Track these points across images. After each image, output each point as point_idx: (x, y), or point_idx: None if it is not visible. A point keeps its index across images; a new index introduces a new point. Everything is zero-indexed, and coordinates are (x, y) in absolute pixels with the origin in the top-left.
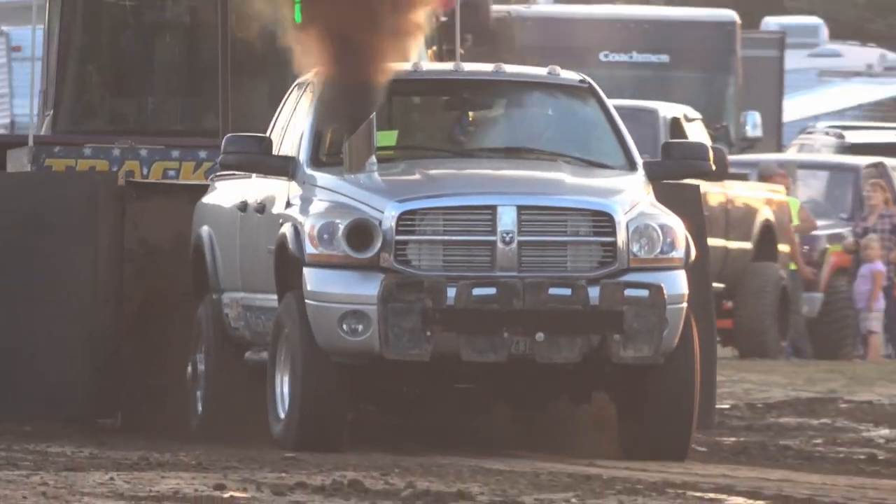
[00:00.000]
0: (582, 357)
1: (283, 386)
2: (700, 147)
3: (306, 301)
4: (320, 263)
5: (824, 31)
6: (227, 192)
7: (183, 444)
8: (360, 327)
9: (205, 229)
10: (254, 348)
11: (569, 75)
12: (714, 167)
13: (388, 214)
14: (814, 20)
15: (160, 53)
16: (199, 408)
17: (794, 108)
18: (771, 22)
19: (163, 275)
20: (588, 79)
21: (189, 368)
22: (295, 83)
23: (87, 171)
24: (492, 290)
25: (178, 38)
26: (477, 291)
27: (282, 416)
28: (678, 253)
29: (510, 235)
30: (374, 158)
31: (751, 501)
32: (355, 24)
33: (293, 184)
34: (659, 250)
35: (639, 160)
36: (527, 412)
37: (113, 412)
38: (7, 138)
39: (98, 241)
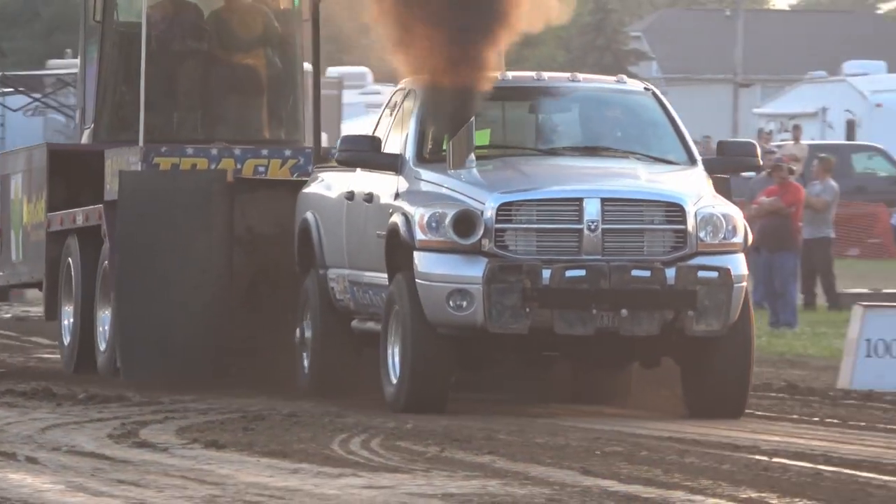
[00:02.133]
0: (660, 330)
1: (394, 355)
2: (749, 145)
3: (417, 281)
4: (429, 248)
5: (370, 77)
6: (332, 183)
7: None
8: (465, 303)
9: (310, 214)
10: (359, 317)
11: (634, 83)
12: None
13: (489, 206)
14: (362, 69)
15: (181, 75)
16: (306, 368)
17: (348, 129)
18: (332, 70)
19: (267, 256)
20: (651, 86)
21: (297, 333)
22: (395, 89)
23: (202, 169)
24: (581, 272)
25: (195, 62)
26: (569, 273)
27: (393, 380)
28: (738, 238)
29: (595, 224)
30: (473, 157)
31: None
32: (459, 35)
33: (400, 178)
34: (722, 236)
35: (698, 156)
36: (603, 374)
37: (227, 371)
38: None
39: (212, 228)
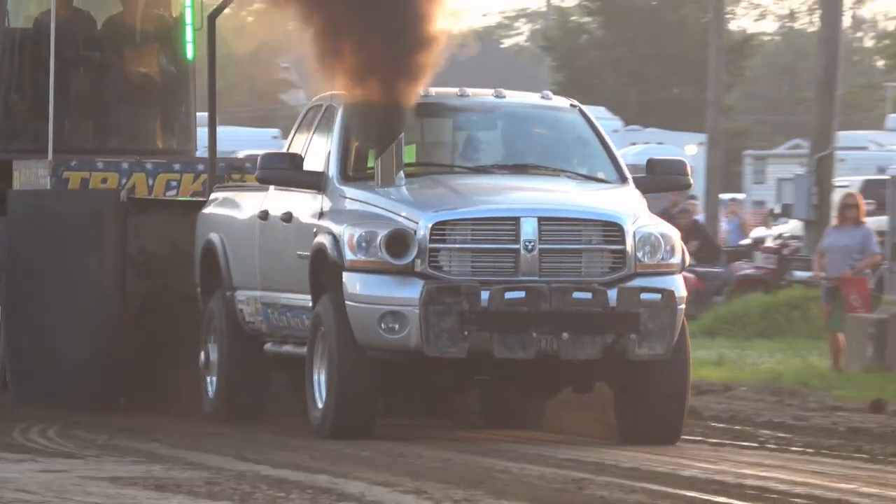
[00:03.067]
0: (601, 354)
1: (320, 379)
2: (680, 163)
3: (346, 302)
4: (359, 268)
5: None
6: (239, 203)
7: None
8: (397, 326)
9: (215, 235)
10: (272, 340)
11: (559, 100)
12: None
13: (422, 225)
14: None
15: (74, 84)
16: (212, 392)
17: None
18: None
19: (160, 277)
20: (576, 102)
21: (202, 356)
22: (309, 105)
23: (94, 189)
24: (521, 294)
25: (88, 70)
26: (508, 295)
27: (319, 404)
28: (676, 259)
29: (532, 244)
30: (402, 174)
31: None
32: (385, 49)
33: (324, 196)
34: (660, 257)
35: (629, 175)
36: (535, 399)
37: (116, 395)
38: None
39: (104, 249)
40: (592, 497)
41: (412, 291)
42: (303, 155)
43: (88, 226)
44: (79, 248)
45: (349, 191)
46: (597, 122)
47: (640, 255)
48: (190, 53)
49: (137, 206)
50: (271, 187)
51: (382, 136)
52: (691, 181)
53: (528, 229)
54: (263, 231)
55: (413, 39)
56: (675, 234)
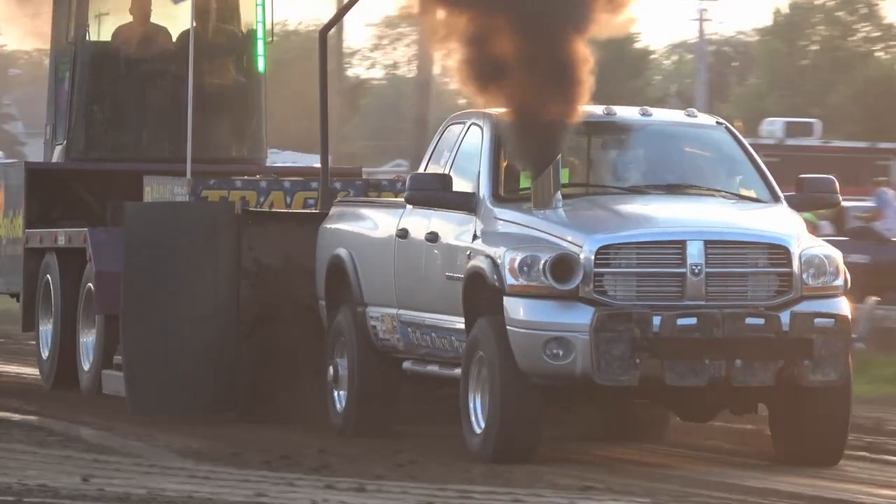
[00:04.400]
0: (774, 381)
1: (476, 402)
2: (829, 181)
3: (508, 327)
4: (521, 293)
5: None
6: (371, 219)
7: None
8: (562, 352)
9: (343, 251)
10: (412, 359)
11: (705, 117)
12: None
13: (587, 249)
14: None
15: (152, 96)
16: (340, 406)
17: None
18: None
19: (274, 289)
20: (723, 120)
21: (330, 370)
22: (447, 123)
23: (209, 201)
24: (693, 320)
25: (164, 83)
26: (680, 321)
27: (477, 430)
28: (839, 281)
29: (699, 267)
30: (559, 195)
31: None
32: (547, 66)
33: (476, 218)
34: (825, 279)
35: (780, 193)
36: (692, 421)
37: (232, 407)
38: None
39: (218, 260)
40: None
41: (578, 317)
42: (448, 174)
43: (203, 238)
44: (194, 260)
45: (503, 212)
46: (744, 140)
47: (805, 277)
48: (261, 66)
49: (252, 218)
50: (409, 205)
51: (540, 157)
52: (840, 199)
53: (695, 252)
54: (402, 249)
55: (574, 55)
56: (838, 256)
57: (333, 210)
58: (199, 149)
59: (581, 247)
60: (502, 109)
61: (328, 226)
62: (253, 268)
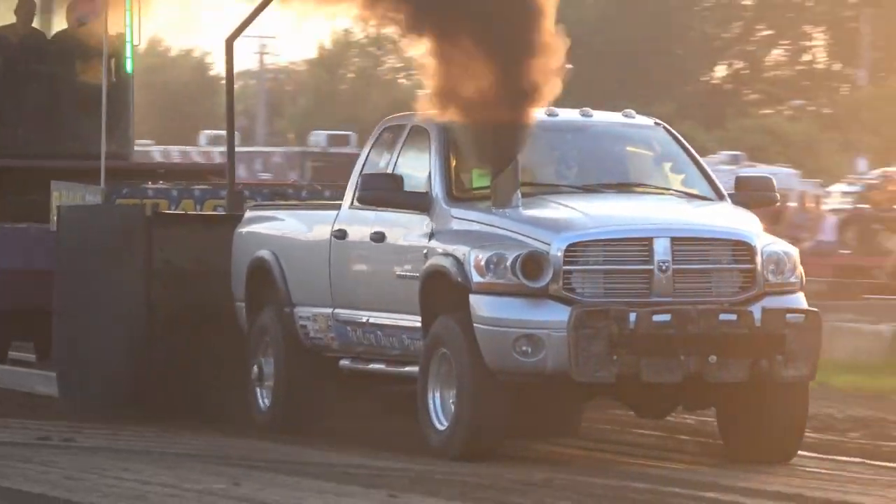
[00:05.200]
0: (748, 376)
1: (435, 399)
2: (768, 180)
3: (475, 325)
4: (488, 291)
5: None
6: (295, 222)
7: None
8: (531, 349)
9: (266, 252)
10: (344, 356)
11: (642, 118)
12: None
13: (556, 246)
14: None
15: (28, 95)
16: (264, 403)
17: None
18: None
19: (185, 289)
20: (660, 121)
21: (254, 369)
22: (382, 126)
23: (122, 204)
24: (668, 317)
25: (40, 82)
26: (656, 318)
27: (439, 426)
28: (796, 277)
29: (666, 264)
30: (519, 195)
31: None
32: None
33: (428, 217)
34: (785, 275)
35: (724, 191)
36: (647, 418)
37: (148, 401)
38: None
39: (132, 261)
40: None
41: (548, 314)
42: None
43: (118, 239)
44: (110, 260)
45: (459, 211)
46: (682, 139)
47: (767, 273)
48: (129, 67)
49: (162, 220)
50: (345, 207)
51: (499, 157)
52: (778, 197)
53: (661, 249)
54: (340, 250)
55: (534, 58)
56: (796, 253)
57: (248, 214)
58: (72, 144)
59: (549, 244)
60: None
61: (245, 230)
62: (164, 268)
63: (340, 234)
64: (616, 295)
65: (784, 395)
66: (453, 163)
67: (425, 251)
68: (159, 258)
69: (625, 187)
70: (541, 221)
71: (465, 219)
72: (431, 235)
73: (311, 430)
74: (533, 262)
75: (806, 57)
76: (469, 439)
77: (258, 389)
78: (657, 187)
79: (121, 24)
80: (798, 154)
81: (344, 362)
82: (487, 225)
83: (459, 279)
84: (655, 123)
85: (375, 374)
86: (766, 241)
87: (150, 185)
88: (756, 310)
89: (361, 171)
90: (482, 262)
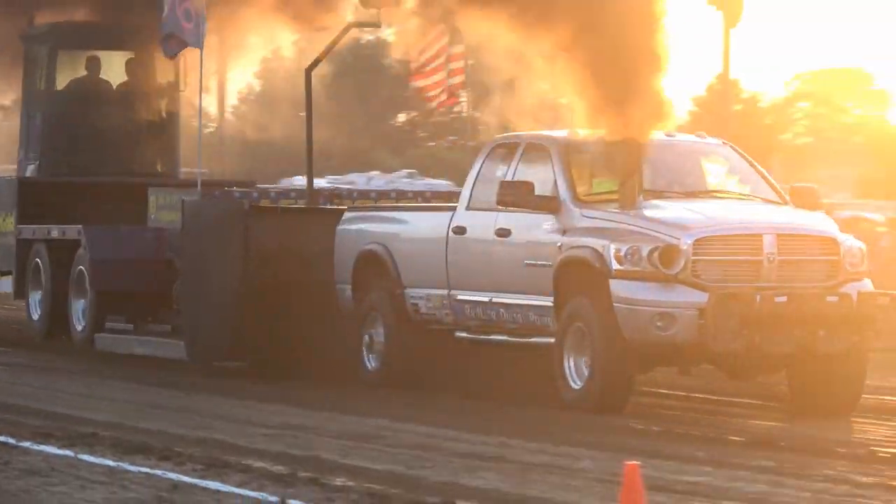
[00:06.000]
0: (848, 348)
1: (570, 364)
2: (814, 189)
3: (616, 304)
4: (626, 276)
5: None
6: (404, 222)
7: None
8: (665, 324)
9: (375, 246)
10: (457, 329)
11: (712, 138)
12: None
13: (686, 241)
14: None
15: (101, 121)
16: (372, 365)
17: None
18: None
19: (272, 267)
20: (727, 141)
21: (365, 338)
22: (494, 144)
23: (229, 198)
24: (784, 299)
25: (107, 120)
26: (777, 299)
27: (574, 386)
28: (864, 266)
29: (773, 256)
30: (642, 198)
31: None
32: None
33: (558, 217)
34: (858, 266)
35: (787, 197)
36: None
37: (243, 358)
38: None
39: (233, 244)
40: None
41: (681, 296)
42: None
43: (224, 226)
44: (219, 245)
45: (588, 212)
46: (746, 154)
47: (846, 264)
48: (177, 107)
49: (257, 212)
50: (462, 208)
51: (626, 166)
52: (823, 203)
53: (769, 244)
54: (459, 243)
55: (655, 85)
56: (865, 247)
57: (348, 215)
58: (130, 165)
59: (680, 239)
60: (554, 132)
61: (348, 227)
62: (257, 250)
63: (460, 231)
64: (732, 280)
65: (845, 362)
66: (574, 172)
67: (559, 244)
68: (253, 242)
69: (717, 193)
70: (668, 220)
71: (594, 217)
72: (564, 231)
73: (411, 385)
74: (668, 254)
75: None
76: (602, 396)
77: (366, 354)
78: (741, 193)
79: (172, 73)
80: (456, 173)
81: (460, 334)
82: (619, 223)
83: (600, 267)
84: (723, 143)
85: (498, 343)
86: (844, 238)
87: (235, 189)
88: (852, 293)
89: (475, 181)
90: (621, 253)
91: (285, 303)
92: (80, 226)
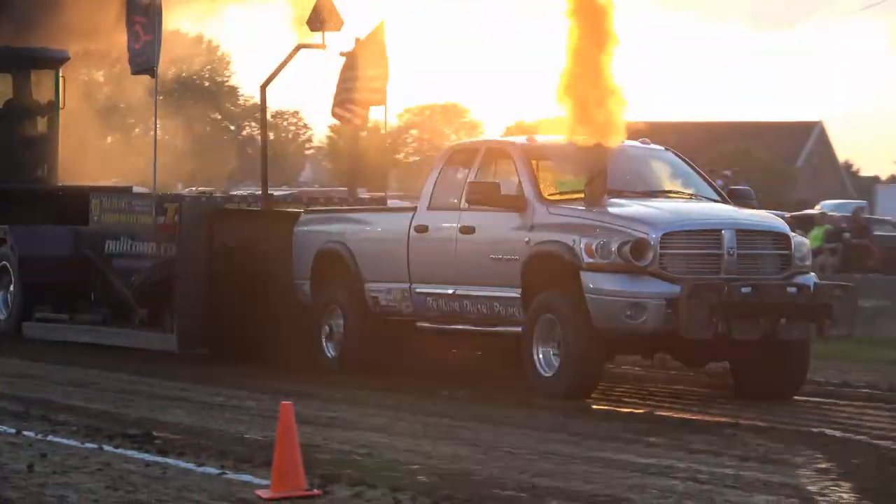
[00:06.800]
0: (806, 335)
1: (539, 353)
2: (750, 191)
3: (588, 295)
4: (597, 269)
5: None
6: (362, 222)
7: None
8: (636, 314)
9: (335, 244)
10: (418, 320)
11: (655, 145)
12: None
13: (653, 236)
14: None
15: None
16: (331, 353)
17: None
18: None
19: (236, 263)
20: (668, 147)
21: (326, 329)
22: (452, 150)
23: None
24: (749, 289)
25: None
26: (743, 290)
27: (545, 374)
28: (809, 260)
29: (732, 250)
30: (606, 197)
31: None
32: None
33: (525, 214)
34: (805, 260)
35: (726, 196)
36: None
37: (202, 347)
38: None
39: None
40: None
41: (650, 287)
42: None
43: (196, 227)
44: (194, 243)
45: (554, 209)
46: (687, 158)
47: (795, 258)
48: (57, 120)
49: (219, 214)
50: (423, 208)
51: (594, 168)
52: (757, 203)
53: (729, 238)
54: (421, 240)
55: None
56: (808, 242)
57: (304, 217)
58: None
59: (648, 234)
60: (513, 138)
61: (305, 228)
62: (220, 249)
63: (422, 229)
64: (695, 272)
65: (791, 349)
66: (559, 173)
67: (527, 239)
68: (217, 241)
69: (665, 193)
70: (634, 216)
71: (561, 214)
72: (531, 228)
73: (369, 371)
74: (640, 247)
75: None
76: (573, 383)
77: (325, 343)
78: (688, 193)
79: (51, 93)
80: None
81: (422, 324)
82: (586, 219)
83: (571, 260)
84: (665, 149)
85: (460, 333)
86: (793, 234)
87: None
88: (810, 285)
89: (435, 185)
90: (592, 247)
91: (247, 294)
92: (6, 225)
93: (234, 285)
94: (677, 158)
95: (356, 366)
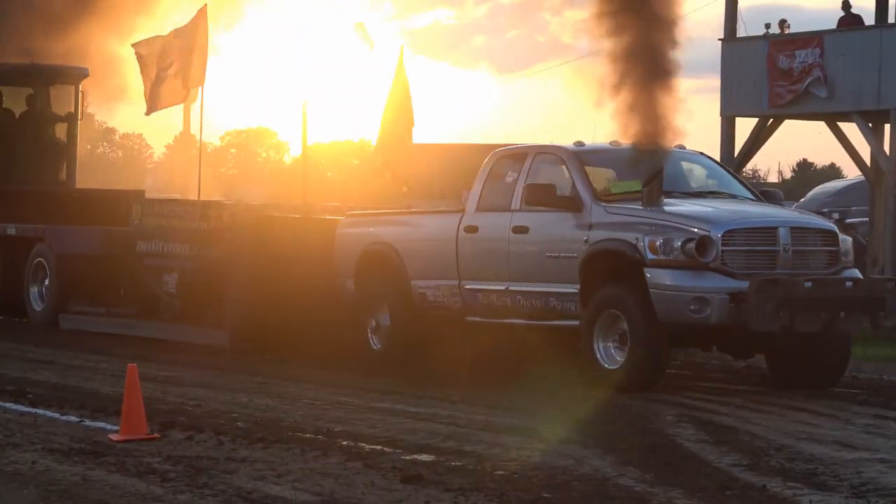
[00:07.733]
0: (861, 327)
1: (600, 346)
2: (780, 193)
3: (652, 290)
4: (660, 265)
5: None
6: (404, 224)
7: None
8: (700, 308)
9: (380, 245)
10: (470, 315)
11: (691, 149)
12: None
13: (715, 233)
14: None
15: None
16: (377, 345)
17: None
18: None
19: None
20: (703, 151)
21: (372, 322)
22: (499, 155)
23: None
24: (811, 284)
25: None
26: (806, 285)
27: (608, 367)
28: (852, 257)
29: (788, 246)
30: (663, 197)
31: None
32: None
33: (583, 214)
34: (850, 256)
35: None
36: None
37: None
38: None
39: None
40: None
41: (713, 282)
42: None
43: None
44: (237, 247)
45: (612, 209)
46: (721, 163)
47: (842, 254)
48: (76, 130)
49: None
50: (467, 209)
51: (650, 170)
52: (785, 203)
53: (784, 236)
54: (469, 240)
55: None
56: (851, 239)
57: (346, 220)
58: (43, 177)
59: (709, 232)
60: (560, 143)
61: (347, 230)
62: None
63: (471, 230)
64: (754, 268)
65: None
66: (590, 176)
67: (586, 238)
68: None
69: (716, 194)
70: (696, 215)
71: (620, 214)
72: (589, 227)
73: (413, 364)
74: (704, 244)
75: None
76: (638, 375)
77: (371, 336)
78: (731, 194)
79: (71, 105)
80: None
81: (472, 318)
82: (647, 218)
83: (635, 257)
84: (701, 153)
85: (504, 327)
86: (839, 231)
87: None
88: (867, 280)
89: (482, 188)
90: (656, 244)
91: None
92: (42, 225)
93: (277, 285)
94: (712, 161)
95: (401, 356)
